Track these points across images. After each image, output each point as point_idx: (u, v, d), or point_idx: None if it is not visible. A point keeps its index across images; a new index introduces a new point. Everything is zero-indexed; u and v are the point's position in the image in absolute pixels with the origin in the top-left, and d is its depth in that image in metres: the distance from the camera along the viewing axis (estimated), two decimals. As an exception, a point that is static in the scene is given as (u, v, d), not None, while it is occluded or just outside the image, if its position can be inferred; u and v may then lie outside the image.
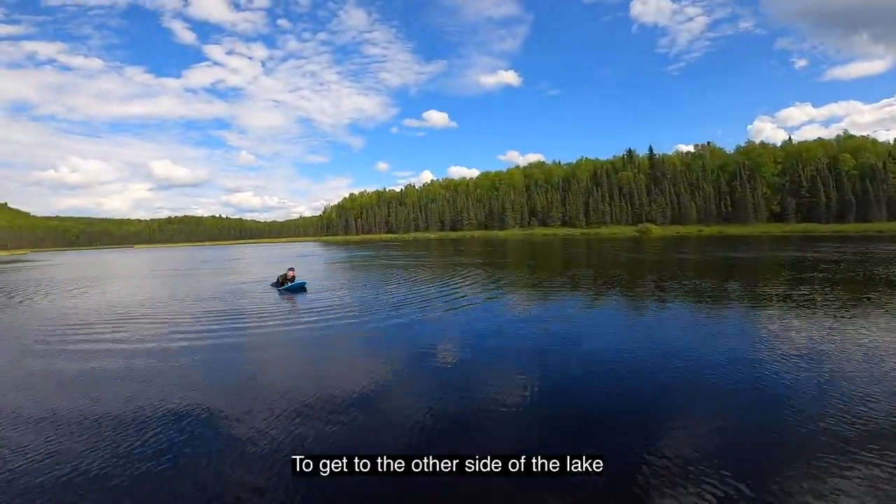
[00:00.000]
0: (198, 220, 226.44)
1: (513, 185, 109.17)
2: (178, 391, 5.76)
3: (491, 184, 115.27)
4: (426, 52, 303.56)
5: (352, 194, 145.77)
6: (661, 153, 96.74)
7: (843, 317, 8.70)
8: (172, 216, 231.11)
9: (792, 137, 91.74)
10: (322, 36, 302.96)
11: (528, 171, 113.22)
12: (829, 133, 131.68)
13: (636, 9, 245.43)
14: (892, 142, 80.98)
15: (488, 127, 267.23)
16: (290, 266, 16.33)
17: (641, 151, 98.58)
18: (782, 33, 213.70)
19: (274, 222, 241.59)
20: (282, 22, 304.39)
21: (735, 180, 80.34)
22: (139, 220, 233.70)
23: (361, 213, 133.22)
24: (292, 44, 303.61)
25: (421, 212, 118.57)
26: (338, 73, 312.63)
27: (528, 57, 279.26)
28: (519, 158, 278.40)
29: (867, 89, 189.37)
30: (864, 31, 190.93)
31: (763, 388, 5.25)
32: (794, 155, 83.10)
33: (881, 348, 6.61)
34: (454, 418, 4.73)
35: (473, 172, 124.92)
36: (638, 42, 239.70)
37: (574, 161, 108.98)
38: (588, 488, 3.51)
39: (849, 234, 60.59)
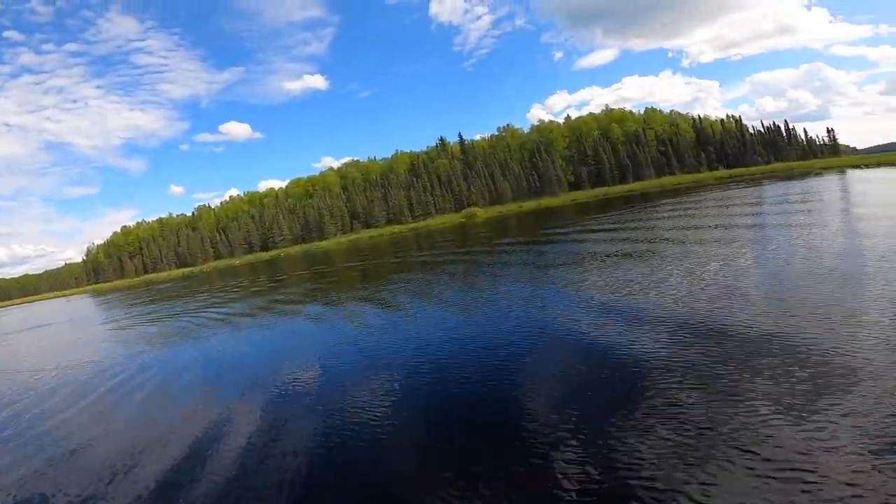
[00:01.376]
0: None
1: (328, 188, 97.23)
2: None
3: (304, 191, 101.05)
4: (218, 60, 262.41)
5: (125, 227, 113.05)
6: (470, 139, 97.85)
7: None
8: None
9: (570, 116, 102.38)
10: (71, 46, 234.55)
11: (344, 172, 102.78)
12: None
13: (434, 8, 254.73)
14: (642, 112, 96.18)
15: (298, 135, 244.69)
16: None
17: (452, 139, 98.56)
18: (546, 28, 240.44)
19: (27, 276, 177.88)
20: (9, 34, 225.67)
21: (535, 157, 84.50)
22: None
23: (141, 248, 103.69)
24: (27, 57, 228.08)
25: (221, 235, 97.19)
26: (98, 86, 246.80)
27: (336, 60, 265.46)
28: (335, 164, 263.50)
29: (603, 76, 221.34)
30: (599, 25, 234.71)
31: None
32: (575, 129, 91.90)
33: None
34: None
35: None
36: (437, 40, 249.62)
37: (390, 156, 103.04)
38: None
39: (636, 191, 67.18)
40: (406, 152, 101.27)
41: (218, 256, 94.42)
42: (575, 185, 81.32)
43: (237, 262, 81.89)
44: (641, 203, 39.34)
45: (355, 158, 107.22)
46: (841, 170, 48.17)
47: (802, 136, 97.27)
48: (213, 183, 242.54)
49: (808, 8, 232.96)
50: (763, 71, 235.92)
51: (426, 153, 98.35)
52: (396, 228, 74.51)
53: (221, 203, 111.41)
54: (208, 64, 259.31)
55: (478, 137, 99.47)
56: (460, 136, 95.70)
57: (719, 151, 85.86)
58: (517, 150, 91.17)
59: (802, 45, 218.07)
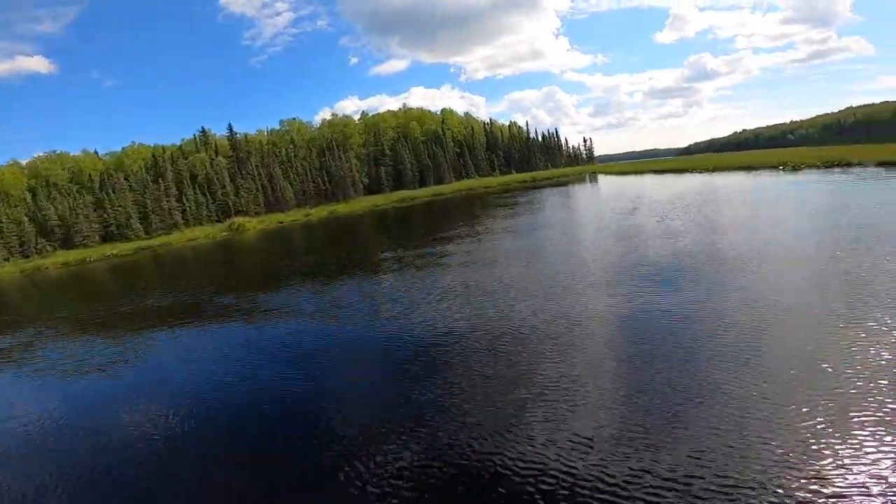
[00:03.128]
0: None
1: (5, 192, 62.74)
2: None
3: (-45, 198, 63.01)
4: None
5: None
6: (243, 133, 77.22)
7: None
8: None
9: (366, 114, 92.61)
10: None
11: (36, 170, 68.72)
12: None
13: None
14: (439, 112, 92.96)
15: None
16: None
17: (221, 133, 75.97)
18: (346, 32, 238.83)
19: None
20: None
21: (325, 156, 70.94)
22: None
23: None
24: None
25: None
26: None
27: (75, 43, 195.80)
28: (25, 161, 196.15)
29: (394, 84, 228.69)
30: (396, 35, 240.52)
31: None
32: (372, 126, 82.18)
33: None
34: None
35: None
36: (225, 32, 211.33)
37: (120, 150, 73.85)
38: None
39: (443, 195, 60.21)
40: (147, 145, 74.02)
41: None
42: (371, 189, 70.97)
43: None
44: (469, 217, 30.68)
45: (60, 151, 73.29)
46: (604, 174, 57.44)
47: (565, 146, 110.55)
48: None
49: (556, 36, 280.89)
50: (516, 91, 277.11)
51: (179, 147, 73.47)
52: (116, 249, 49.93)
53: None
54: None
55: (254, 132, 79.97)
56: (230, 127, 74.20)
57: (507, 156, 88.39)
58: (305, 147, 75.69)
59: (546, 69, 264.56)
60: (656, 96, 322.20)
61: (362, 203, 60.40)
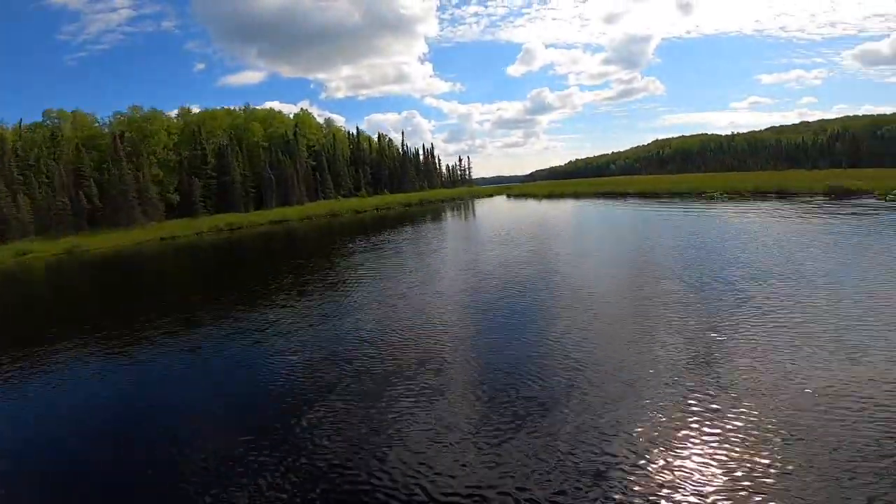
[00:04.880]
0: None
1: None
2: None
3: None
4: None
5: None
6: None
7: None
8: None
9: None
10: None
11: None
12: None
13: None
14: (292, 116, 74.99)
15: None
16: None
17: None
18: (196, 37, 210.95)
19: None
20: None
21: (106, 162, 48.28)
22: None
23: None
24: None
25: None
26: None
27: None
28: None
29: (247, 96, 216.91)
30: (255, 45, 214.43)
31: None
32: (193, 124, 60.83)
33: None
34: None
35: None
36: (34, 24, 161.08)
37: None
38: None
39: (290, 219, 43.17)
40: None
41: None
42: (182, 210, 50.43)
43: None
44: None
45: None
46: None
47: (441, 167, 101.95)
48: None
49: (422, 62, 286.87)
50: (377, 113, 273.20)
51: None
52: None
53: None
54: None
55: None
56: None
57: (376, 173, 74.70)
58: (77, 148, 51.22)
59: (409, 93, 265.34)
60: (503, 126, 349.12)
61: (147, 233, 40.13)
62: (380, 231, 29.29)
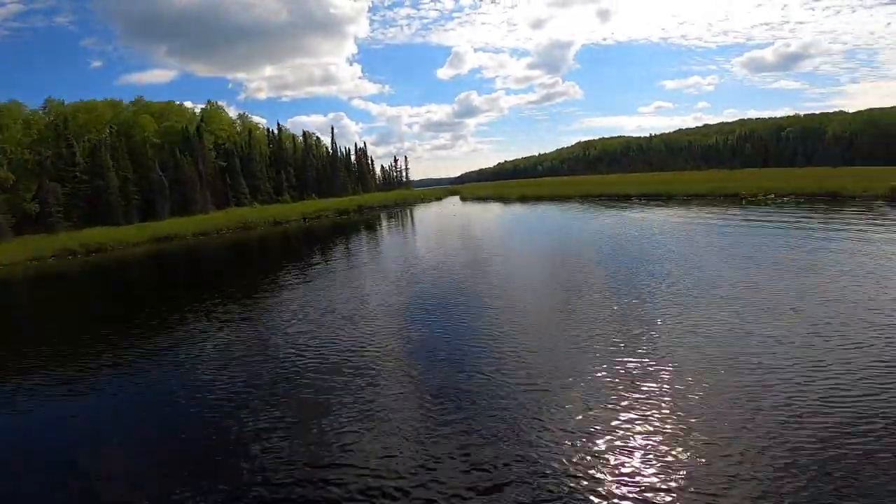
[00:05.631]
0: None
1: None
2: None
3: None
4: None
5: None
6: None
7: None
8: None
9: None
10: None
11: None
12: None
13: None
14: (198, 111, 63.91)
15: None
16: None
17: None
18: (94, 33, 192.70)
19: None
20: None
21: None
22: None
23: None
24: None
25: None
26: None
27: None
28: None
29: (152, 96, 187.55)
30: (165, 43, 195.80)
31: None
32: (62, 116, 48.53)
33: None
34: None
35: None
36: None
37: None
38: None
39: (184, 234, 33.70)
40: None
41: None
42: (39, 224, 38.99)
43: None
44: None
45: None
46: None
47: (375, 168, 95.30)
48: None
49: (351, 63, 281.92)
50: (301, 115, 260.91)
51: None
52: None
53: None
54: None
55: None
56: None
57: (301, 176, 66.09)
58: None
59: (335, 95, 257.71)
60: (431, 129, 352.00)
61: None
62: (308, 258, 19.84)
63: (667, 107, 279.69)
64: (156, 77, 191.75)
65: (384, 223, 36.68)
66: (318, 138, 78.66)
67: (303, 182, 64.12)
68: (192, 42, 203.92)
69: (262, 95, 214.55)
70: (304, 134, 73.21)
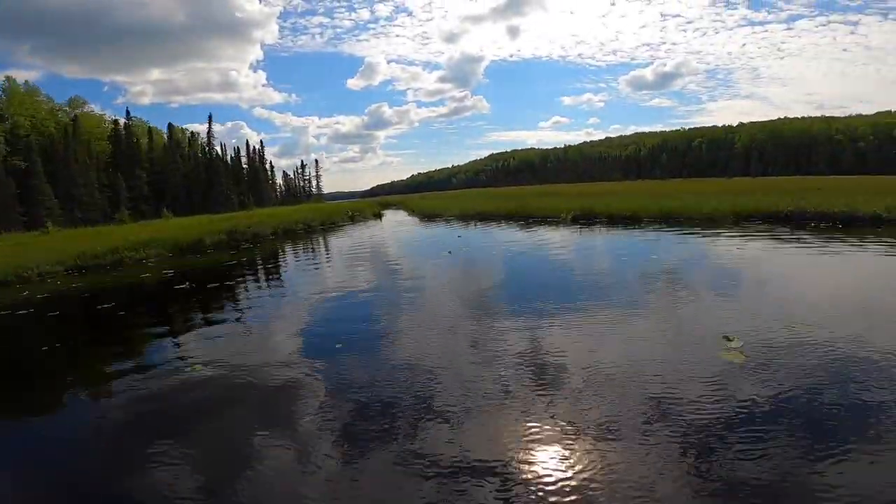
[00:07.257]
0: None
1: None
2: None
3: None
4: None
5: None
6: None
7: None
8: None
9: None
10: None
11: None
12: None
13: None
14: (117, 119, 42.05)
15: None
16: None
17: None
18: None
19: None
20: None
21: None
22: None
23: None
24: None
25: None
26: None
27: None
28: None
29: None
30: (28, 42, 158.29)
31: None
32: None
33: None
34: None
35: None
36: None
37: None
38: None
39: None
40: None
41: None
42: None
43: None
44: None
45: None
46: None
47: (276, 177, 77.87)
48: None
49: (255, 70, 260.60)
50: (194, 123, 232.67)
51: None
52: None
53: None
54: None
55: None
56: None
57: (157, 183, 47.09)
58: None
59: (235, 103, 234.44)
60: (339, 140, 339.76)
61: None
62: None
63: (564, 122, 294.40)
64: (17, 76, 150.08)
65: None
66: (193, 134, 59.54)
67: (160, 191, 45.29)
68: (64, 41, 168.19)
69: (146, 101, 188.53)
70: (170, 127, 53.85)
